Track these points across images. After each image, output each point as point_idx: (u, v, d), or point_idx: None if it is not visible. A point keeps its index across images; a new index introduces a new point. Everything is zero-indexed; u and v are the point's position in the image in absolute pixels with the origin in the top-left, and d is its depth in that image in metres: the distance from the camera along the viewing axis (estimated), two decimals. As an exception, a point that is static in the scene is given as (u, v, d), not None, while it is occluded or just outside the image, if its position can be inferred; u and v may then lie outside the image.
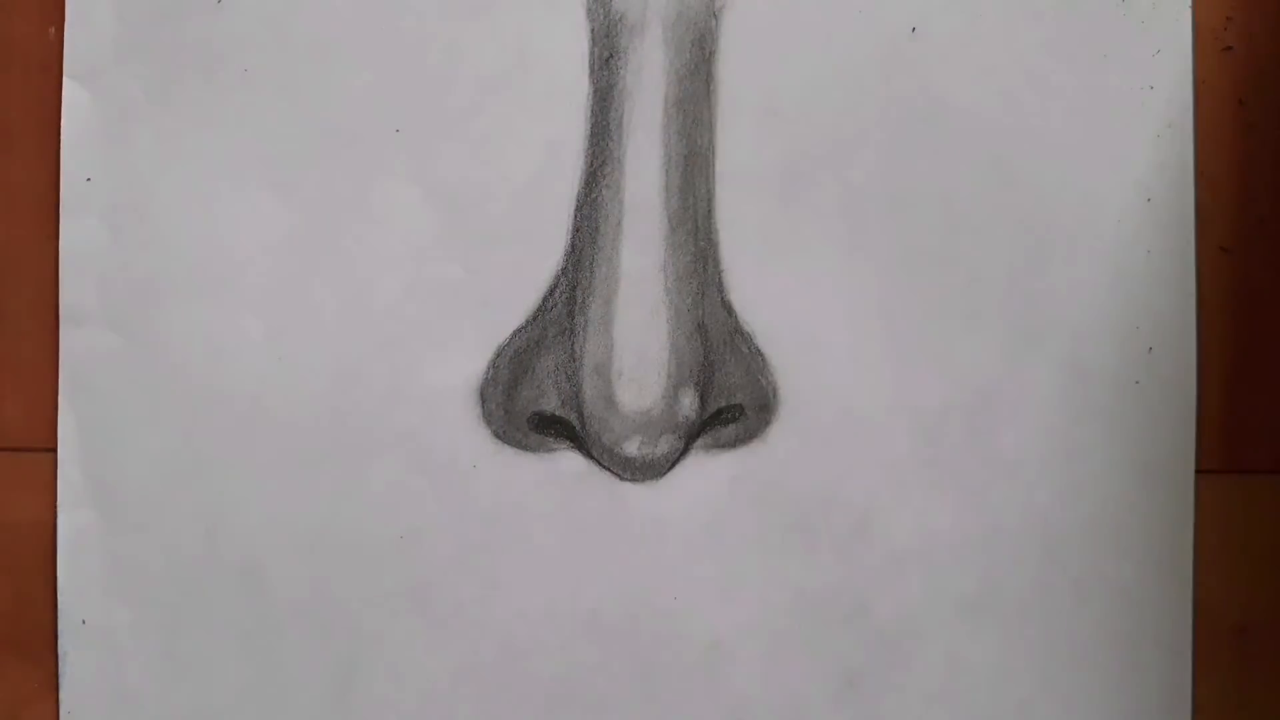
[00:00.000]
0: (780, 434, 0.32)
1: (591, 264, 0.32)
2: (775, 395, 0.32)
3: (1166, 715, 0.32)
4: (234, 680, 0.32)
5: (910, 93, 0.32)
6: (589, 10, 0.32)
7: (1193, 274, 0.32)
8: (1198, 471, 0.32)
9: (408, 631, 0.31)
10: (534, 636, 0.32)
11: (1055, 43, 0.32)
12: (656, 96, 0.32)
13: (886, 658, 0.32)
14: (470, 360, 0.32)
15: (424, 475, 0.31)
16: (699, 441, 0.32)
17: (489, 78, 0.31)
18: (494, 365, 0.32)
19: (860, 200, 0.32)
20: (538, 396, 0.32)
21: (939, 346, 0.31)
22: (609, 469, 0.31)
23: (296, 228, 0.31)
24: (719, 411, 0.32)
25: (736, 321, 0.32)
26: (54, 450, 0.32)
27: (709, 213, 0.32)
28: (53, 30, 0.32)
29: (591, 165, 0.32)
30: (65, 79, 0.32)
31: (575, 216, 0.32)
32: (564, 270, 0.32)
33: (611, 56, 0.32)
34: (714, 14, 0.32)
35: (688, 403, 0.31)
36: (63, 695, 0.32)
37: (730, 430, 0.32)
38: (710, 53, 0.32)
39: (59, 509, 0.32)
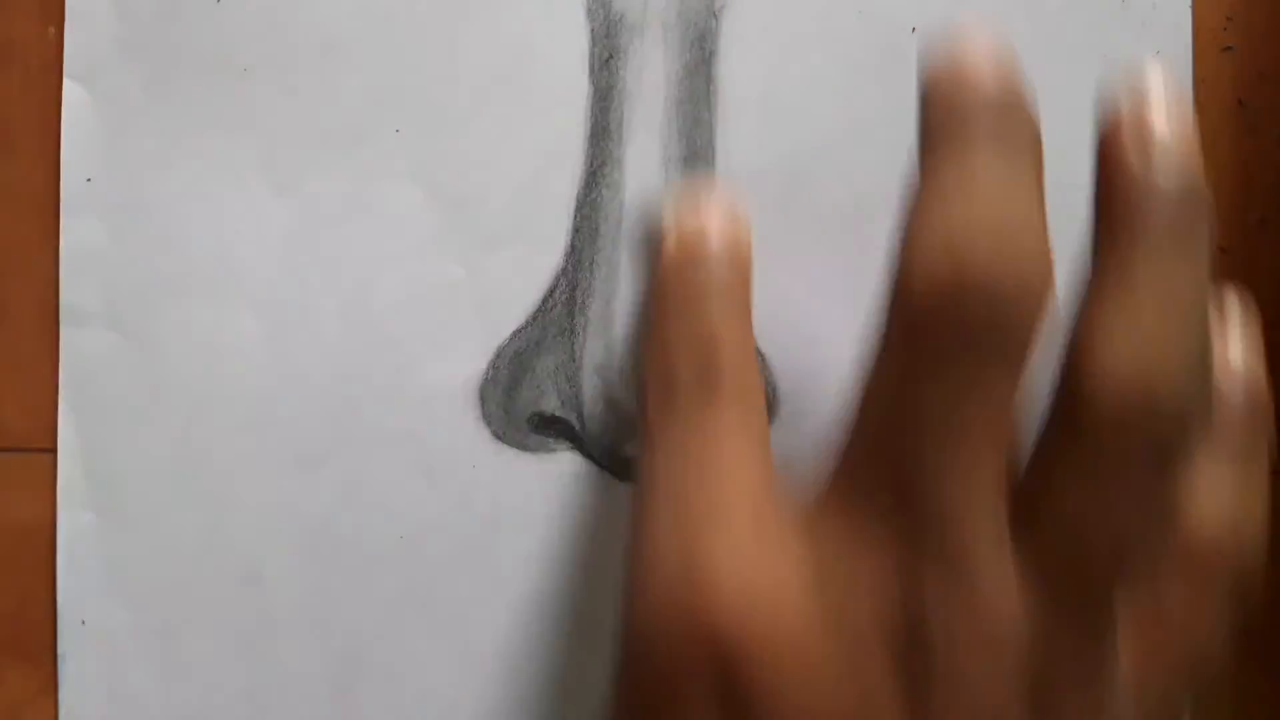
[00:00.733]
0: (780, 434, 0.32)
1: (591, 264, 0.32)
2: (775, 395, 0.32)
3: (1167, 715, 0.32)
4: (234, 681, 0.32)
5: (910, 93, 0.32)
6: (589, 10, 0.32)
7: (1193, 274, 0.32)
8: (1198, 471, 0.32)
9: (408, 631, 0.31)
10: (534, 636, 0.32)
11: (1055, 43, 0.32)
12: (656, 96, 0.32)
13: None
14: (470, 360, 0.32)
15: (424, 475, 0.31)
16: (699, 442, 0.32)
17: (489, 78, 0.31)
18: (494, 366, 0.32)
19: (860, 200, 0.32)
20: (538, 397, 0.32)
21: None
22: (609, 469, 0.31)
23: (296, 228, 0.31)
24: (719, 412, 0.31)
25: (736, 322, 0.32)
26: (54, 450, 0.32)
27: (709, 213, 0.32)
28: (52, 30, 0.32)
29: (591, 165, 0.32)
30: (65, 79, 0.32)
31: (575, 216, 0.32)
32: (564, 270, 0.32)
33: (611, 57, 0.32)
34: (714, 14, 0.32)
35: (688, 403, 0.31)
36: (62, 696, 0.31)
37: (730, 430, 0.32)
38: (710, 52, 0.32)
39: (59, 509, 0.31)
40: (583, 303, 0.32)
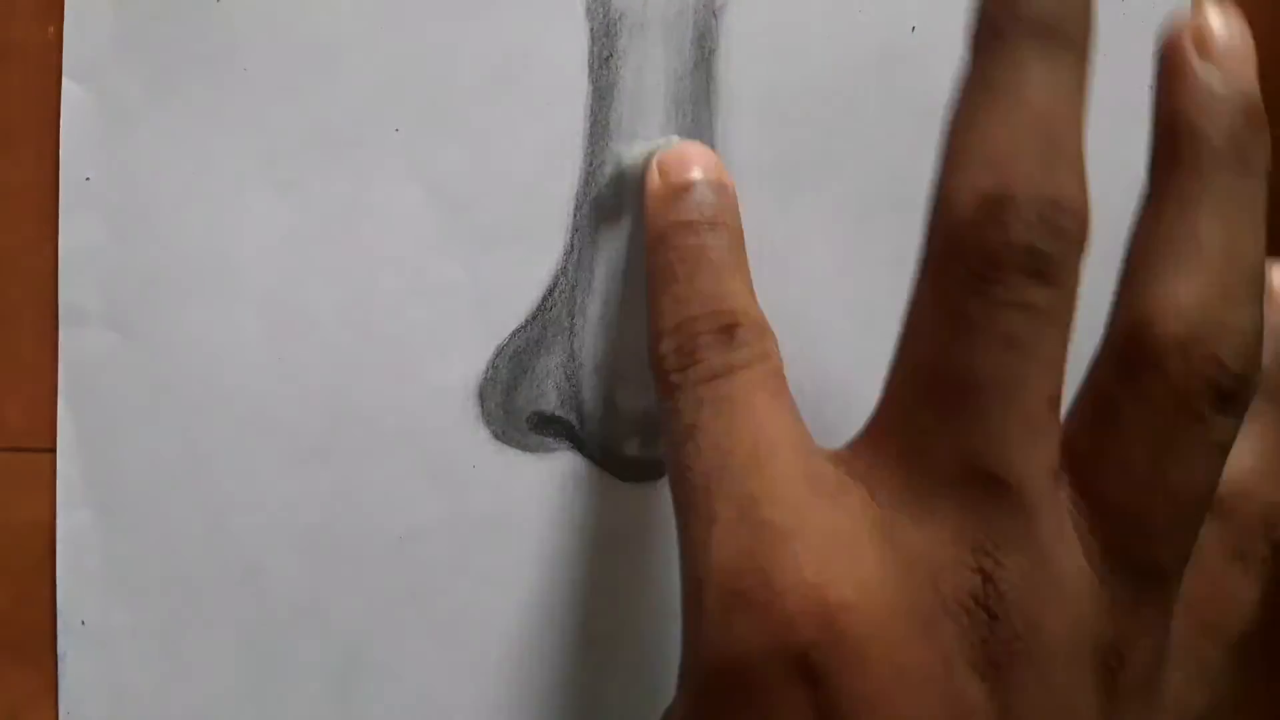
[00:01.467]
0: (780, 434, 0.32)
1: (591, 264, 0.32)
2: (775, 395, 0.32)
3: (1166, 715, 0.32)
4: (234, 680, 0.32)
5: (910, 92, 0.32)
6: (588, 9, 0.32)
7: (1192, 274, 0.32)
8: (1197, 471, 0.32)
9: (407, 632, 0.31)
10: (534, 636, 0.32)
11: (1055, 43, 0.32)
12: (656, 96, 0.32)
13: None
14: (470, 360, 0.32)
15: (424, 475, 0.31)
16: (699, 441, 0.32)
17: (489, 77, 0.31)
18: (493, 365, 0.32)
19: (861, 200, 0.32)
20: (537, 397, 0.32)
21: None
22: (609, 469, 0.31)
23: (296, 228, 0.31)
24: (719, 411, 0.32)
25: (736, 321, 0.32)
26: (53, 450, 0.32)
27: (709, 212, 0.32)
28: (51, 29, 0.32)
29: (591, 165, 0.32)
30: (64, 78, 0.32)
31: (575, 216, 0.32)
32: (563, 270, 0.32)
33: (611, 56, 0.32)
34: (714, 13, 0.32)
35: (688, 402, 0.31)
36: (62, 696, 0.31)
37: (730, 430, 0.32)
38: (710, 52, 0.32)
39: (58, 509, 0.31)
40: (582, 302, 0.32)
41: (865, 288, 0.32)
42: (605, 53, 0.32)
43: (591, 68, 0.32)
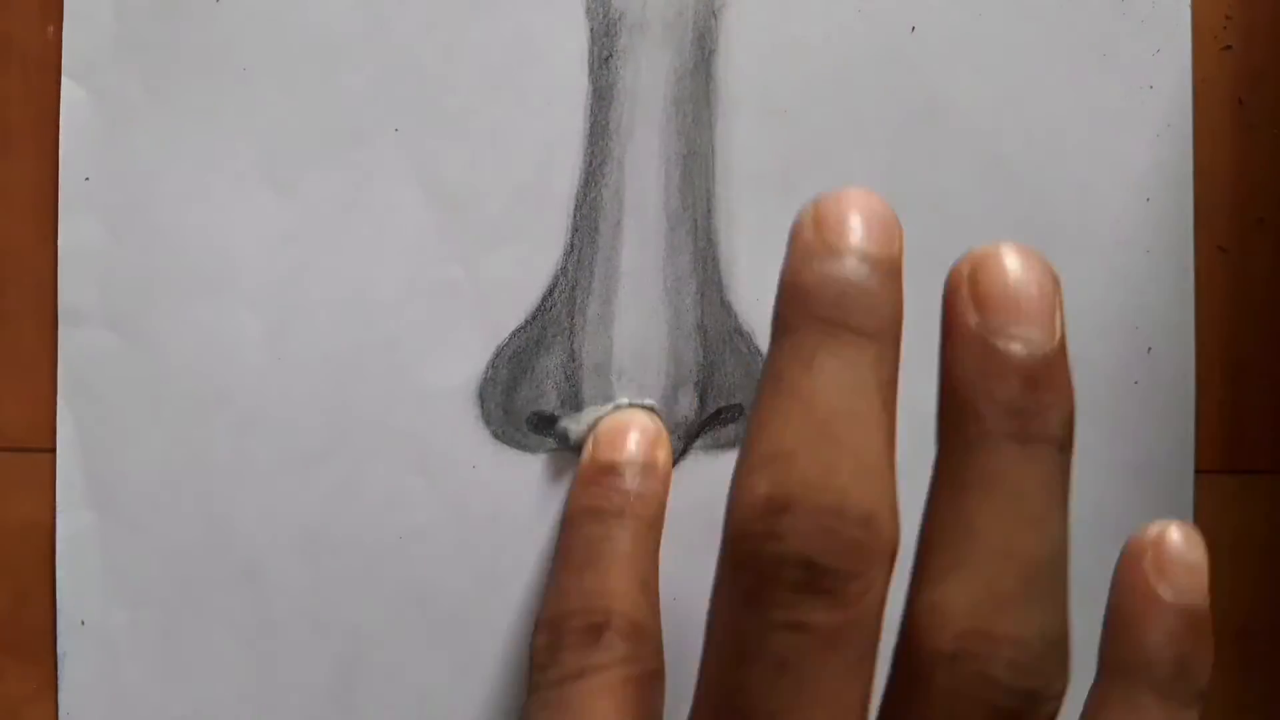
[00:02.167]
0: (780, 434, 0.32)
1: (591, 264, 0.32)
2: (775, 395, 0.32)
3: (1166, 714, 0.32)
4: (234, 680, 0.32)
5: (910, 92, 0.32)
6: (588, 9, 0.32)
7: (1191, 274, 0.32)
8: (1197, 471, 0.32)
9: (408, 631, 0.31)
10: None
11: (1055, 43, 0.32)
12: (656, 95, 0.32)
13: (886, 655, 0.32)
14: (469, 360, 0.31)
15: (424, 475, 0.31)
16: (698, 442, 0.32)
17: (489, 77, 0.31)
18: (493, 365, 0.32)
19: (860, 200, 0.32)
20: (537, 396, 0.32)
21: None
22: (609, 469, 0.31)
23: (296, 227, 0.31)
24: (718, 411, 0.32)
25: (736, 321, 0.32)
26: (53, 450, 0.32)
27: (708, 212, 0.32)
28: (51, 29, 0.32)
29: (591, 165, 0.32)
30: (64, 78, 0.32)
31: (574, 216, 0.32)
32: (563, 270, 0.32)
33: (611, 55, 0.32)
34: (714, 13, 0.32)
35: (687, 403, 0.31)
36: (62, 696, 0.31)
37: (730, 430, 0.32)
38: (710, 51, 0.32)
39: (58, 509, 0.31)
40: (582, 302, 0.32)
41: (865, 288, 0.32)
42: (605, 52, 0.32)
43: (591, 68, 0.32)
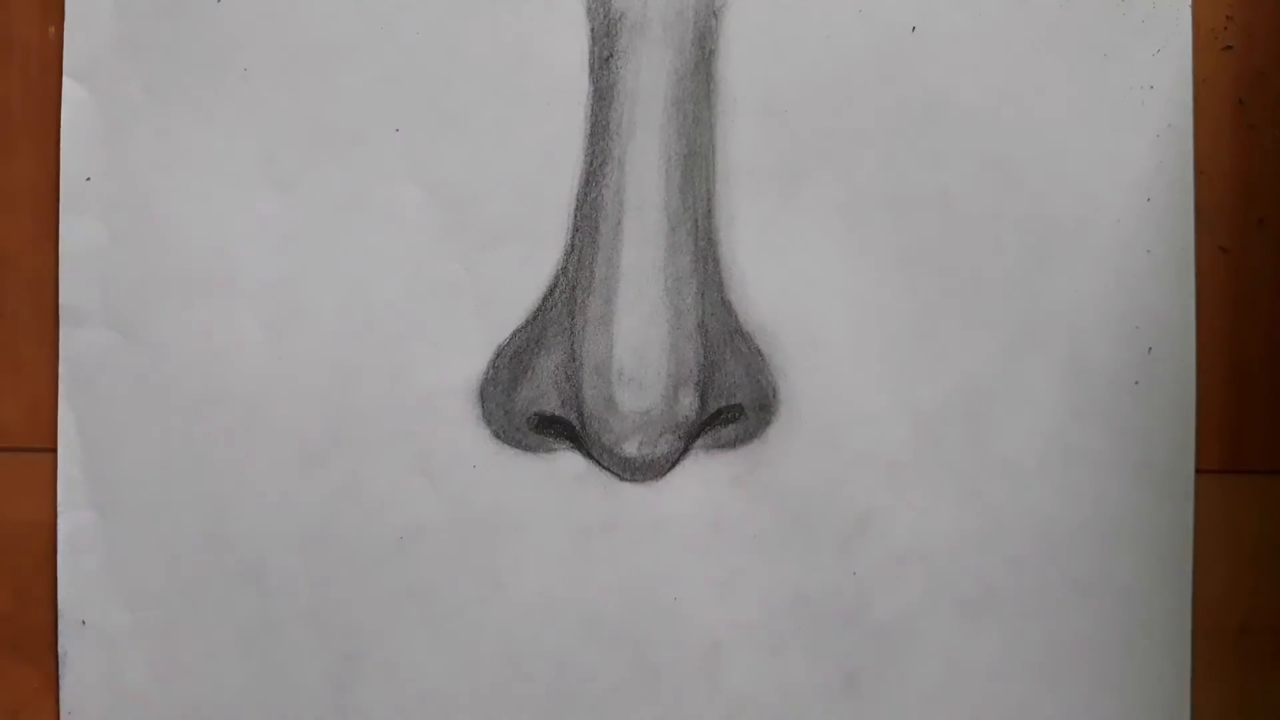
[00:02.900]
0: (780, 434, 0.32)
1: (591, 264, 0.31)
2: (775, 395, 0.32)
3: (1166, 716, 0.32)
4: (234, 680, 0.32)
5: (910, 92, 0.32)
6: (589, 9, 0.32)
7: (1192, 274, 0.32)
8: (1197, 471, 0.32)
9: (408, 631, 0.31)
10: (534, 636, 0.32)
11: (1055, 43, 0.32)
12: (656, 96, 0.32)
13: (886, 658, 0.32)
14: (470, 360, 0.31)
15: (424, 475, 0.31)
16: (699, 441, 0.32)
17: (489, 77, 0.31)
18: (494, 365, 0.32)
19: (860, 200, 0.32)
20: (538, 396, 0.32)
21: (939, 346, 0.31)
22: (609, 469, 0.31)
23: (296, 227, 0.31)
24: (719, 411, 0.32)
25: (736, 321, 0.32)
26: (54, 450, 0.32)
27: (709, 212, 0.32)
28: (52, 29, 0.32)
29: (591, 165, 0.32)
30: (65, 78, 0.32)
31: (575, 216, 0.32)
32: (564, 270, 0.32)
33: (611, 56, 0.32)
34: (714, 13, 0.32)
35: (687, 403, 0.31)
36: (63, 695, 0.32)
37: (730, 430, 0.32)
38: (710, 52, 0.32)
39: (59, 509, 0.31)
40: (583, 302, 0.32)
41: (864, 285, 0.32)
42: (605, 53, 0.32)
43: (592, 68, 0.32)
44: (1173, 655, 0.32)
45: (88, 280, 0.31)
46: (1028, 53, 0.32)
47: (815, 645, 0.32)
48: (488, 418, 0.31)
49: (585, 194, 0.32)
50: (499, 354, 0.32)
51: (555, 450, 0.32)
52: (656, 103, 0.32)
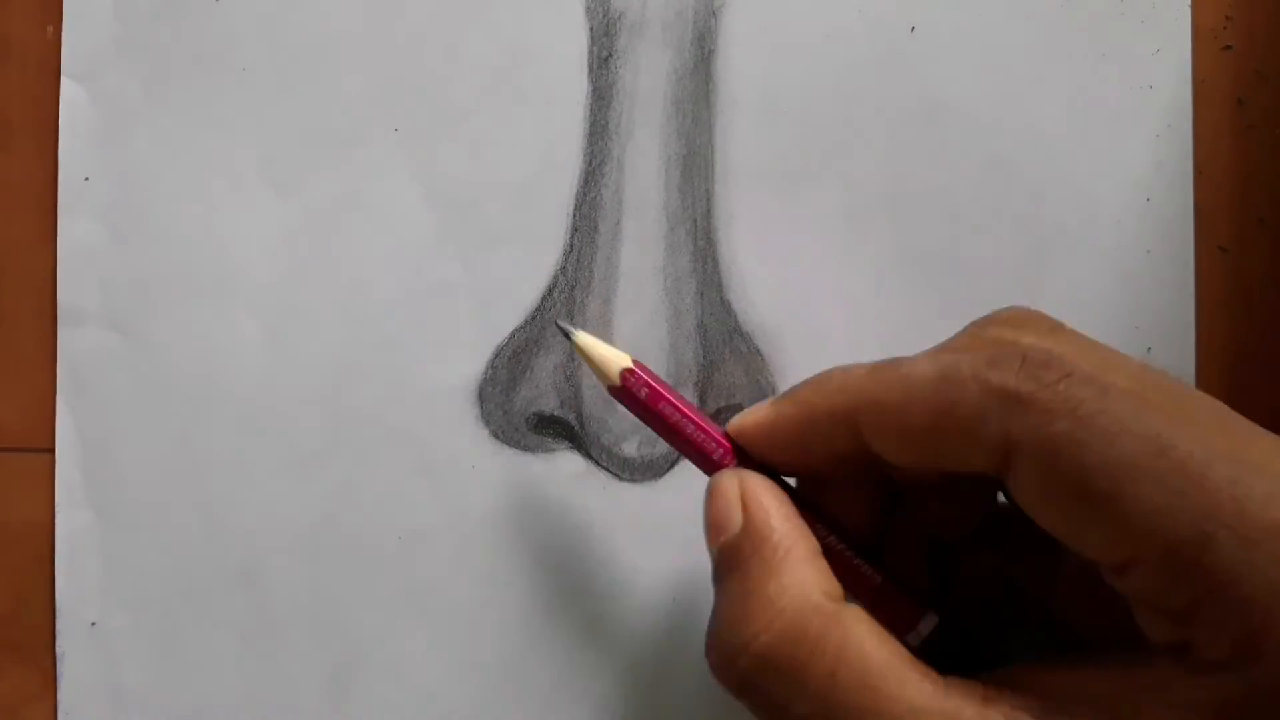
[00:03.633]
0: (780, 434, 0.32)
1: (590, 264, 0.31)
2: (774, 394, 0.32)
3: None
4: (233, 680, 0.32)
5: (910, 92, 0.32)
6: (588, 9, 0.32)
7: (1192, 274, 0.32)
8: (1197, 471, 0.32)
9: (408, 631, 0.31)
10: (534, 636, 0.32)
11: (1055, 43, 0.32)
12: (655, 96, 0.32)
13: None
14: (469, 360, 0.31)
15: (424, 475, 0.31)
16: (699, 441, 0.32)
17: (488, 77, 0.31)
18: (493, 365, 0.31)
19: (860, 200, 0.32)
20: (537, 396, 0.32)
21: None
22: (608, 469, 0.31)
23: (296, 228, 0.31)
24: (718, 411, 0.32)
25: (736, 321, 0.32)
26: (53, 450, 0.32)
27: (708, 212, 0.32)
28: (51, 29, 0.32)
29: (590, 164, 0.32)
30: (63, 78, 0.32)
31: (574, 216, 0.32)
32: (563, 270, 0.32)
33: (610, 55, 0.32)
34: (713, 13, 0.32)
35: (687, 402, 0.31)
36: (61, 696, 0.31)
37: (730, 430, 0.32)
38: (709, 52, 0.32)
39: (57, 509, 0.31)
40: (582, 301, 0.32)
41: (864, 285, 0.32)
42: (605, 53, 0.32)
43: (591, 68, 0.32)
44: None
45: (87, 280, 0.31)
46: (1028, 53, 0.32)
47: (815, 645, 0.32)
48: (487, 418, 0.31)
49: (584, 194, 0.32)
50: (498, 354, 0.32)
51: (555, 450, 0.32)
52: (656, 103, 0.32)
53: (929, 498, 0.26)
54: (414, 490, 0.31)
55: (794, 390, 0.25)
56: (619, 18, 0.31)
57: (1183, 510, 0.20)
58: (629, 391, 0.27)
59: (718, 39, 0.32)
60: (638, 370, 0.27)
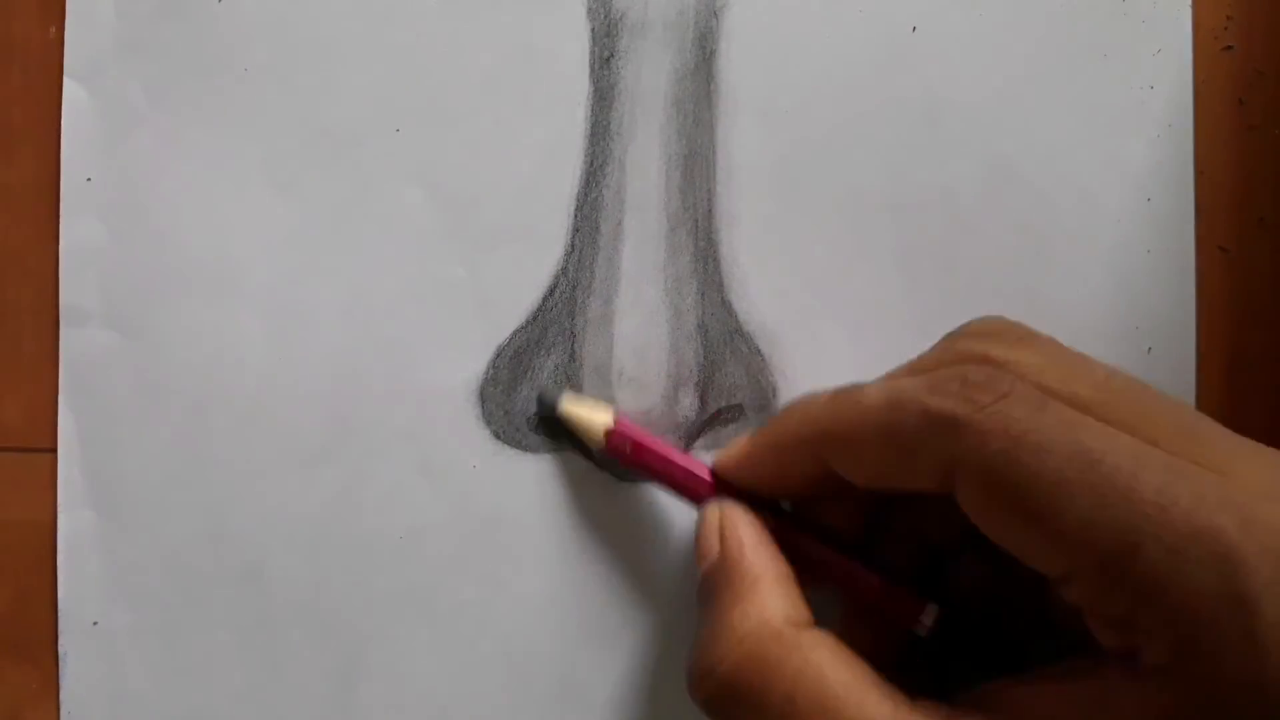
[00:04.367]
0: (780, 434, 0.32)
1: (591, 264, 0.32)
2: (775, 395, 0.32)
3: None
4: (234, 680, 0.32)
5: (910, 92, 0.32)
6: (589, 10, 0.32)
7: (1192, 274, 0.32)
8: (1198, 471, 0.32)
9: (408, 631, 0.31)
10: (534, 636, 0.32)
11: (1055, 43, 0.32)
12: (657, 96, 0.32)
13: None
14: (470, 360, 0.32)
15: (424, 475, 0.31)
16: (699, 442, 0.32)
17: (489, 77, 0.31)
18: (494, 365, 0.32)
19: (860, 200, 0.32)
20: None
21: None
22: (609, 469, 0.31)
23: (297, 228, 0.31)
24: (719, 412, 0.32)
25: (736, 321, 0.32)
26: (54, 450, 0.32)
27: (709, 212, 0.32)
28: (53, 29, 0.32)
29: (591, 165, 0.32)
30: (65, 78, 0.32)
31: (575, 216, 0.32)
32: (564, 270, 0.32)
33: (612, 56, 0.32)
34: (714, 13, 0.32)
35: (687, 403, 0.31)
36: (63, 696, 0.32)
37: (730, 430, 0.32)
38: (711, 52, 0.32)
39: (59, 509, 0.31)
40: (583, 302, 0.32)
41: (864, 285, 0.32)
42: (606, 53, 0.32)
43: (592, 68, 0.32)
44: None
45: (88, 280, 0.31)
46: (1028, 53, 0.32)
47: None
48: (488, 418, 0.31)
49: (586, 194, 0.32)
50: (499, 354, 0.32)
51: (556, 450, 0.32)
52: (657, 103, 0.32)
53: (914, 510, 0.27)
54: (415, 490, 0.31)
55: (768, 422, 0.28)
56: (620, 18, 0.32)
57: (1111, 521, 0.21)
58: (615, 449, 0.29)
59: (719, 39, 0.32)
60: (619, 429, 0.29)
